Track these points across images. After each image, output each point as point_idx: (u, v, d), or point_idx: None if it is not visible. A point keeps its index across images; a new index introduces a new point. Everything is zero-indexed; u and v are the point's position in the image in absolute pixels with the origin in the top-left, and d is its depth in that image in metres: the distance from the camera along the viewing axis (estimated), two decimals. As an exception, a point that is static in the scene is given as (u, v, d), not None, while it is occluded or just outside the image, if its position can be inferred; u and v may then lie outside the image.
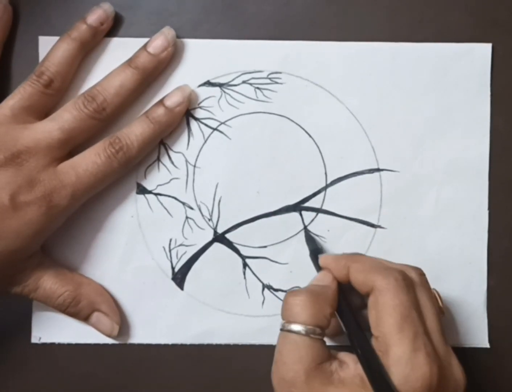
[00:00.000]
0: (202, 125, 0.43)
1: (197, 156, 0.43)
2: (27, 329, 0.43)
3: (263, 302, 0.43)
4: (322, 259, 0.39)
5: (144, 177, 0.43)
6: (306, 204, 0.43)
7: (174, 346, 0.43)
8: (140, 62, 0.40)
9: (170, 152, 0.43)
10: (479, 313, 0.43)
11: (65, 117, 0.39)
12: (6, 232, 0.37)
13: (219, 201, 0.43)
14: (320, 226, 0.43)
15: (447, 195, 0.43)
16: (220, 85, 0.43)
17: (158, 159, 0.43)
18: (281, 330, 0.36)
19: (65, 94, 0.41)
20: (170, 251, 0.43)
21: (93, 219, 0.43)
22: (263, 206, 0.43)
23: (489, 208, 0.43)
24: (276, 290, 0.43)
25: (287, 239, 0.43)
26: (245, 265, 0.43)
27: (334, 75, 0.43)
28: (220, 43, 0.43)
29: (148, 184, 0.43)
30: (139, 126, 0.40)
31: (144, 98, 0.42)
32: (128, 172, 0.42)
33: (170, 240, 0.43)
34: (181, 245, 0.43)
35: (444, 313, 0.39)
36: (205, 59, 0.43)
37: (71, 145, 0.40)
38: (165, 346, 0.43)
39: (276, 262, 0.43)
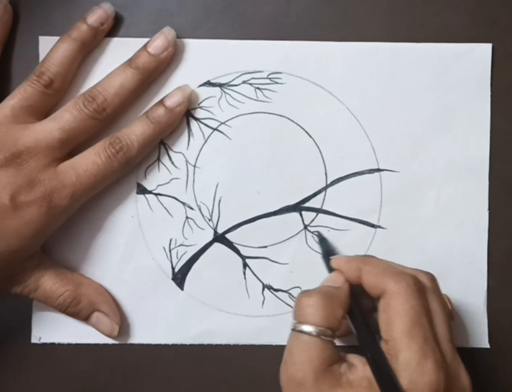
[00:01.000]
0: (202, 125, 0.43)
1: (197, 156, 0.43)
2: (27, 329, 0.43)
3: (263, 302, 0.43)
4: (334, 261, 0.39)
5: (144, 177, 0.43)
6: (306, 204, 0.43)
7: (174, 346, 0.43)
8: (140, 63, 0.40)
9: (170, 152, 0.43)
10: (479, 313, 0.43)
11: (65, 118, 0.39)
12: (6, 232, 0.37)
13: (219, 201, 0.43)
14: (320, 226, 0.43)
15: (447, 195, 0.43)
16: (220, 85, 0.43)
17: (158, 159, 0.43)
18: (292, 330, 0.36)
19: (65, 95, 0.41)
20: (170, 251, 0.43)
21: (93, 219, 0.43)
22: (263, 206, 0.43)
23: (489, 208, 0.43)
24: (276, 290, 0.43)
25: (287, 239, 0.43)
26: (245, 265, 0.43)
27: (334, 75, 0.43)
28: (220, 43, 0.43)
29: (148, 184, 0.43)
30: (140, 126, 0.40)
31: (144, 98, 0.42)
32: (128, 172, 0.42)
33: (170, 240, 0.43)
34: (181, 245, 0.43)
35: (454, 319, 0.39)
36: (206, 59, 0.43)
37: (71, 146, 0.40)
38: (165, 346, 0.43)
39: (276, 262, 0.43)
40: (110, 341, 0.43)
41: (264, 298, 0.43)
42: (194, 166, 0.43)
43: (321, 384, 0.34)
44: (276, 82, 0.43)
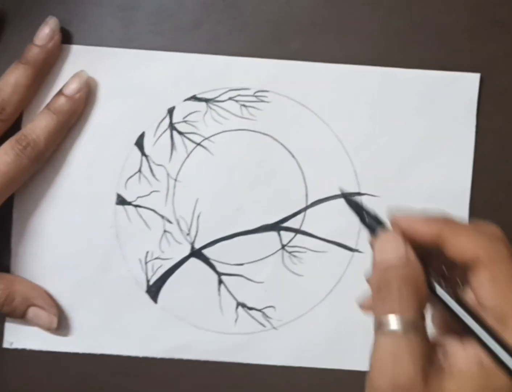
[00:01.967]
0: (185, 140, 0.43)
1: (179, 170, 0.43)
2: (-1, 334, 0.43)
3: (236, 320, 0.43)
4: (401, 220, 0.32)
5: (125, 188, 0.43)
6: (285, 224, 0.43)
7: (145, 359, 0.43)
8: (30, 57, 0.41)
9: (152, 165, 0.43)
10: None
11: None
12: None
13: (198, 216, 0.43)
14: (298, 247, 0.43)
15: (428, 223, 0.43)
16: (206, 100, 0.43)
17: (140, 171, 0.43)
18: (377, 330, 0.30)
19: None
20: (146, 263, 0.43)
21: (70, 228, 0.43)
22: (242, 223, 0.43)
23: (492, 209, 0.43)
24: (250, 309, 0.43)
25: (264, 257, 0.43)
26: (220, 281, 0.43)
27: (320, 97, 0.43)
28: (208, 58, 0.43)
29: (128, 195, 0.43)
30: (43, 119, 0.41)
31: (127, 106, 0.42)
32: (108, 182, 0.42)
33: (147, 253, 0.43)
34: (157, 258, 0.43)
35: None
36: (192, 73, 0.43)
37: None
38: (137, 358, 0.43)
39: (251, 280, 0.43)
40: (81, 350, 0.43)
41: (237, 316, 0.43)
42: (175, 180, 0.43)
43: (430, 380, 0.29)
44: (262, 100, 0.43)
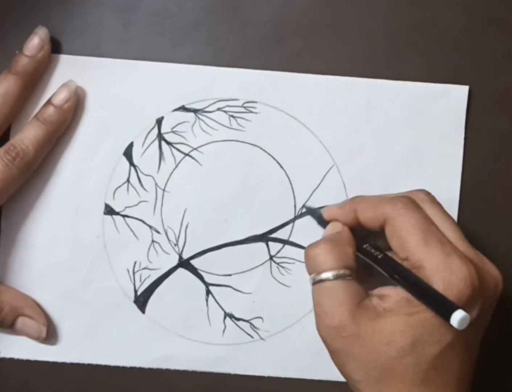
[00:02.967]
0: (174, 150, 0.43)
1: (167, 180, 0.43)
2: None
3: (223, 331, 0.43)
4: (326, 211, 0.40)
5: (113, 198, 0.43)
6: (274, 235, 0.43)
7: (132, 369, 0.43)
8: (19, 67, 0.41)
9: (140, 175, 0.43)
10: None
11: None
12: None
13: (187, 227, 0.43)
14: (286, 258, 0.43)
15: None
16: (195, 111, 0.43)
17: (128, 181, 0.43)
18: (313, 284, 0.36)
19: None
20: (134, 273, 0.43)
21: (58, 238, 0.43)
22: (230, 234, 0.43)
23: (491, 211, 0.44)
24: (238, 319, 0.43)
25: (252, 268, 0.43)
26: (208, 292, 0.43)
27: (309, 108, 0.43)
28: (197, 69, 0.43)
29: (116, 205, 0.43)
30: (32, 129, 0.41)
31: (116, 116, 0.42)
32: (96, 192, 0.42)
33: (135, 263, 0.43)
34: (145, 268, 0.43)
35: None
36: (181, 84, 0.43)
37: None
38: (123, 368, 0.43)
39: (239, 291, 0.43)
40: (68, 360, 0.43)
41: (225, 327, 0.43)
42: (164, 190, 0.43)
43: (359, 320, 0.34)
44: (251, 111, 0.43)
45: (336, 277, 0.35)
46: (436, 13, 0.43)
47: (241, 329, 0.43)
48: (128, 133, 0.43)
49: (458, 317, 0.32)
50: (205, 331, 0.43)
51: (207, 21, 0.43)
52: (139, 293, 0.43)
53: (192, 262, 0.43)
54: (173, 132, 0.43)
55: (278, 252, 0.43)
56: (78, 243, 0.43)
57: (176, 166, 0.43)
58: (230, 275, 0.43)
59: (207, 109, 0.43)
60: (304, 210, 0.43)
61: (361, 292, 0.36)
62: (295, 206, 0.43)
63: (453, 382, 0.35)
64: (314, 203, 0.43)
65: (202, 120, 0.43)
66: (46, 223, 0.42)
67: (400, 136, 0.43)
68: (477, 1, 0.43)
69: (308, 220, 0.43)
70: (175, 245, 0.43)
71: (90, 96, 0.42)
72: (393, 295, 0.35)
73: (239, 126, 0.43)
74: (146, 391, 0.43)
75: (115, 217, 0.43)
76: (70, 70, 0.42)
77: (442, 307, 0.33)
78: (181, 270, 0.43)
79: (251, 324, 0.43)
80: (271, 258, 0.43)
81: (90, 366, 0.43)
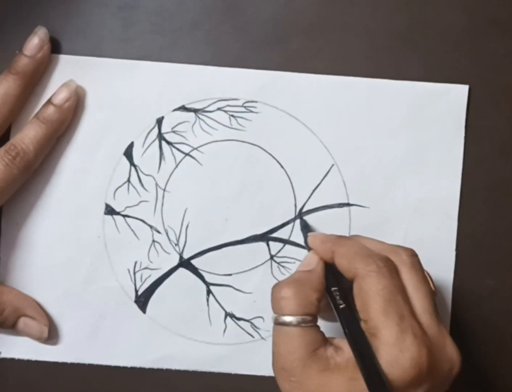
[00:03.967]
0: (174, 150, 0.43)
1: (168, 180, 0.43)
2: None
3: (224, 330, 0.43)
4: (310, 239, 0.39)
5: (113, 198, 0.43)
6: (274, 234, 0.43)
7: (133, 369, 0.43)
8: (19, 67, 0.41)
9: (141, 175, 0.43)
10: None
11: None
12: None
13: (187, 226, 0.43)
14: (287, 257, 0.43)
15: (416, 234, 0.43)
16: (195, 110, 0.43)
17: (128, 181, 0.43)
18: (274, 323, 0.36)
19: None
20: (134, 273, 0.43)
21: (59, 238, 0.43)
22: (230, 233, 0.43)
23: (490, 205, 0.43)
24: (239, 319, 0.43)
25: (253, 268, 0.43)
26: (209, 292, 0.43)
27: (309, 108, 0.43)
28: (197, 68, 0.43)
29: (117, 205, 0.43)
30: (32, 129, 0.41)
31: (116, 116, 0.42)
32: (97, 192, 0.42)
33: (135, 263, 0.43)
34: (146, 268, 0.43)
35: (437, 294, 0.38)
36: (181, 84, 0.43)
37: None
38: (124, 368, 0.43)
39: (240, 290, 0.43)
40: (69, 360, 0.43)
41: (226, 326, 0.43)
42: (164, 190, 0.43)
43: (309, 369, 0.34)
44: (251, 111, 0.43)
45: (296, 324, 0.35)
46: (436, 13, 0.43)
47: (242, 328, 0.43)
48: (128, 133, 0.43)
49: None
50: (206, 331, 0.43)
51: (207, 21, 0.43)
52: (139, 293, 0.43)
53: (193, 261, 0.43)
54: (174, 132, 0.43)
55: (279, 251, 0.43)
56: (79, 243, 0.43)
57: (177, 166, 0.43)
58: (230, 274, 0.43)
59: (207, 109, 0.43)
60: (302, 216, 0.43)
61: (318, 339, 0.35)
62: (295, 205, 0.43)
63: None
64: (314, 203, 0.43)
65: (202, 120, 0.43)
66: (46, 223, 0.42)
67: (400, 135, 0.43)
68: (477, 1, 0.43)
69: (308, 219, 0.43)
70: (175, 244, 0.43)
71: (90, 96, 0.42)
72: (346, 351, 0.35)
73: (239, 126, 0.43)
74: (147, 391, 0.43)
75: (115, 216, 0.43)
76: (70, 70, 0.42)
77: (376, 383, 0.33)
78: (181, 270, 0.43)
79: (252, 323, 0.43)
80: (271, 257, 0.43)
81: (90, 366, 0.43)
